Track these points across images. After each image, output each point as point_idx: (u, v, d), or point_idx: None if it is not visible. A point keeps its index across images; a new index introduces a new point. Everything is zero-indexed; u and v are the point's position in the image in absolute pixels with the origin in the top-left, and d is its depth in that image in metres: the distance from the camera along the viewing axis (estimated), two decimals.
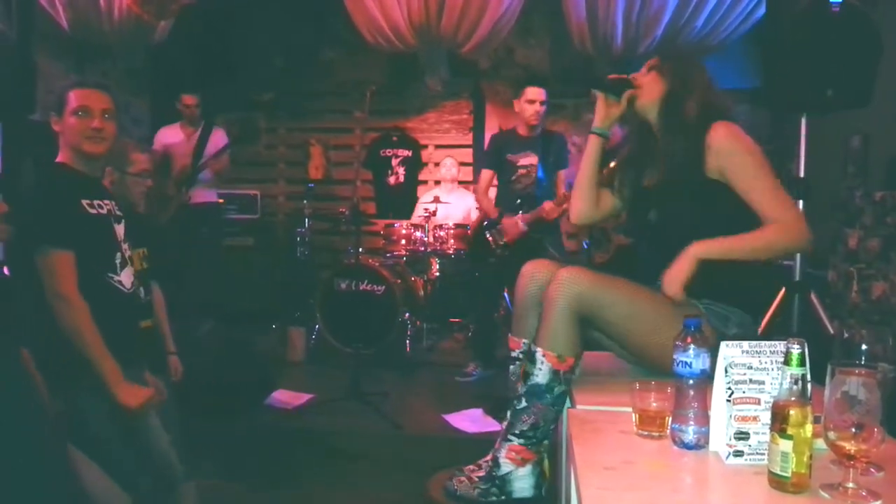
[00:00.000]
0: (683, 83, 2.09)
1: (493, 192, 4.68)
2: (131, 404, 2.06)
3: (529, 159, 4.40)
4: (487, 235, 4.44)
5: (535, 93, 4.31)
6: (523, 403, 1.92)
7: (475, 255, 4.69)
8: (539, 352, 1.89)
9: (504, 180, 4.53)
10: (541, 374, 1.88)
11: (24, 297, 2.12)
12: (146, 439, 2.26)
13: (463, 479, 1.99)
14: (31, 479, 0.88)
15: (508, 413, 2.05)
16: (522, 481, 1.94)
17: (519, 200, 4.38)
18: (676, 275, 1.91)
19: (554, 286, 1.90)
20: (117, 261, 2.24)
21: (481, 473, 1.98)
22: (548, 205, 4.21)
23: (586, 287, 1.88)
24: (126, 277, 2.27)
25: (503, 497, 1.94)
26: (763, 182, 1.94)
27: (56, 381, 1.90)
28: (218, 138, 5.19)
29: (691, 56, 2.43)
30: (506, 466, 1.94)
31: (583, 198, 2.31)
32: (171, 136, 5.28)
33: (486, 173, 4.59)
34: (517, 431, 1.93)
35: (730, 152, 1.96)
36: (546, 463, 1.99)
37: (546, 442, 1.96)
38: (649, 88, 2.14)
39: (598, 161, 2.28)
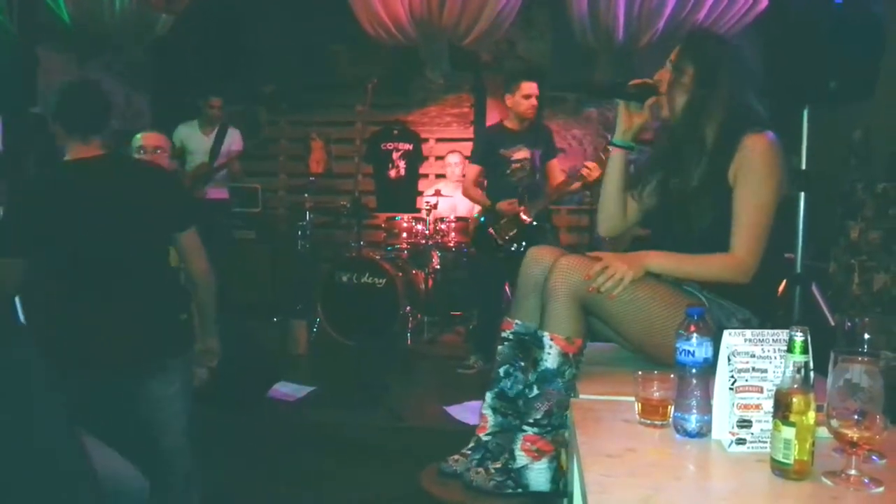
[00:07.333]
0: (710, 86, 1.96)
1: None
2: None
3: (523, 153, 4.37)
4: (490, 231, 4.37)
5: (531, 87, 4.28)
6: (535, 391, 1.90)
7: (481, 252, 4.60)
8: (546, 336, 1.88)
9: (497, 175, 4.44)
10: (550, 359, 1.87)
11: (32, 281, 2.14)
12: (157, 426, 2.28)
13: (480, 470, 1.98)
14: (39, 466, 0.88)
15: (488, 396, 2.12)
16: (539, 475, 1.91)
17: (520, 191, 4.32)
18: (626, 270, 1.87)
19: (553, 276, 1.90)
20: None
21: (498, 465, 1.97)
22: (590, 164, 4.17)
23: (585, 275, 1.87)
24: None
25: (519, 490, 1.92)
26: (754, 216, 1.89)
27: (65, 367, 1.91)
28: (234, 139, 5.33)
29: (720, 44, 2.06)
30: (521, 459, 1.92)
31: (610, 212, 2.21)
32: (188, 133, 5.35)
33: (473, 169, 4.52)
34: (531, 420, 1.91)
35: (751, 169, 1.88)
36: (563, 457, 1.94)
37: (563, 431, 1.93)
38: (672, 93, 1.99)
39: (622, 175, 2.17)
